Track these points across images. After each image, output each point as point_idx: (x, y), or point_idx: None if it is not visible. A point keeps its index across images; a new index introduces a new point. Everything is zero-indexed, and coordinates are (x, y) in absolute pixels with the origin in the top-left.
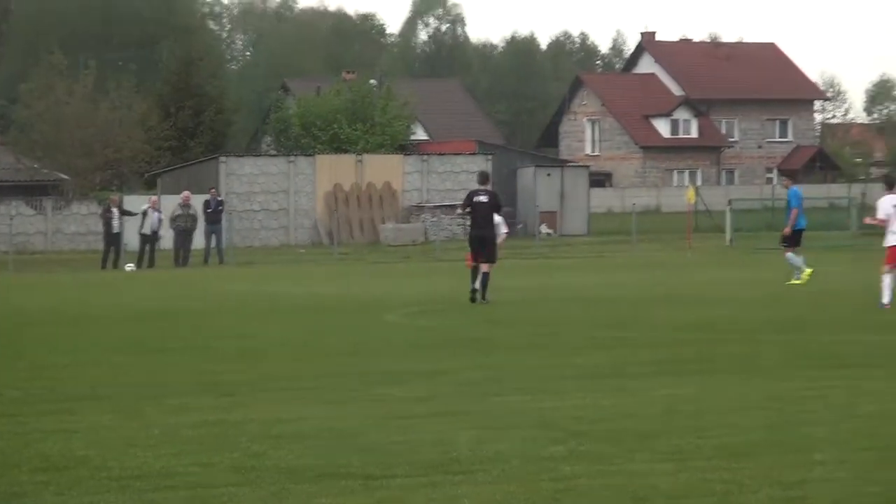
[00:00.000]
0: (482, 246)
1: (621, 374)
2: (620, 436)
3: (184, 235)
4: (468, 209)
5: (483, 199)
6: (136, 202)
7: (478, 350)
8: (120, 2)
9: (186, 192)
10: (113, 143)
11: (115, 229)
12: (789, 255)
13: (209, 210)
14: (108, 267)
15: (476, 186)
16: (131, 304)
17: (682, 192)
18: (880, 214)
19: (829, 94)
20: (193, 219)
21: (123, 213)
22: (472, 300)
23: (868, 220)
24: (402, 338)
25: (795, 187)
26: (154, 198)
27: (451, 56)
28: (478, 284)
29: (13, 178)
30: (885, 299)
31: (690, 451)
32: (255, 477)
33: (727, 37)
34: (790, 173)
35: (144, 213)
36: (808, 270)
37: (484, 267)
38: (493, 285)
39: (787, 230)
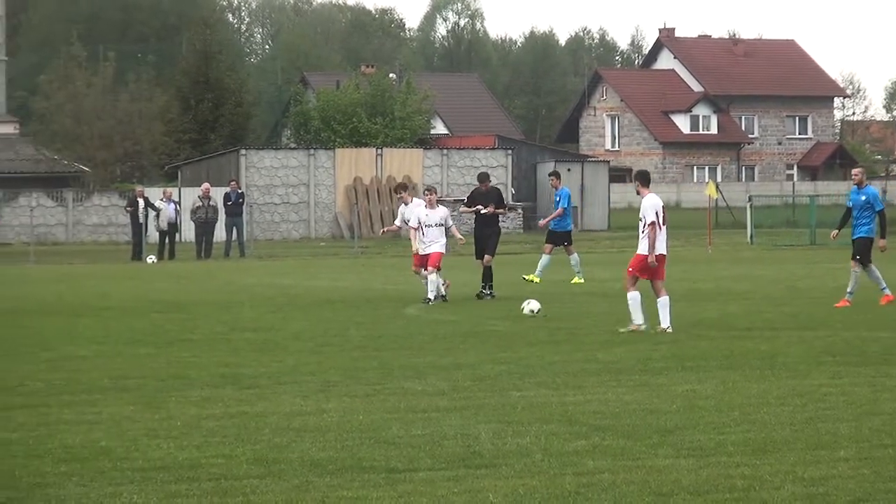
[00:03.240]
0: (489, 239)
1: (643, 369)
2: (643, 431)
3: (204, 227)
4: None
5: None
6: (157, 195)
7: (498, 344)
8: None
9: (206, 185)
10: (132, 135)
11: (140, 220)
12: (572, 256)
13: (230, 203)
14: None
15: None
16: (153, 296)
17: (703, 188)
18: (397, 222)
19: (848, 91)
20: (214, 210)
21: (148, 205)
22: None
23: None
24: (423, 331)
25: (566, 188)
26: (168, 190)
27: (469, 51)
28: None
29: (33, 169)
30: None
31: (712, 446)
32: (278, 469)
33: (746, 33)
34: (811, 170)
35: (158, 209)
36: (581, 280)
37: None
38: (513, 281)
39: (542, 223)
